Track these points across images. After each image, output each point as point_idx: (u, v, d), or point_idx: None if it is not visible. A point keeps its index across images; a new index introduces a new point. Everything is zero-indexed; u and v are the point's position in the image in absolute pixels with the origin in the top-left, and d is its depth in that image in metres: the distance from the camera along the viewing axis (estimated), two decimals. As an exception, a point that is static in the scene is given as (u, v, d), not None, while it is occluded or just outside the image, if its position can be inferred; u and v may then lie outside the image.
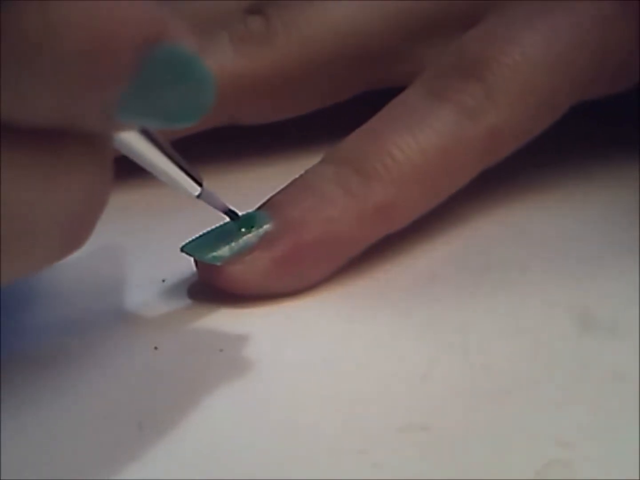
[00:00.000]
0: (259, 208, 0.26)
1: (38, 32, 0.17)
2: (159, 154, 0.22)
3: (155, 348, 0.24)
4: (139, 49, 0.18)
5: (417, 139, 0.26)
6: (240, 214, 0.26)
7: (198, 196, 0.24)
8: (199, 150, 0.30)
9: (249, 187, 0.29)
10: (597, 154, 0.31)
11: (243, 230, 0.25)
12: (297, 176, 0.27)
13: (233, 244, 0.25)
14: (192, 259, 0.26)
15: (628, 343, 0.23)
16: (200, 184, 0.23)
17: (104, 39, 0.17)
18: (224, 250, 0.25)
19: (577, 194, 0.29)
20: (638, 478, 0.20)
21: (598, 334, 0.24)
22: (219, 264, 0.25)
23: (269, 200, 0.27)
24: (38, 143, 0.18)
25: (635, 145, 0.31)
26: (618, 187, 0.29)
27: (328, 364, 0.24)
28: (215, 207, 0.25)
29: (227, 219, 0.26)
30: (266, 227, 0.25)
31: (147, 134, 0.21)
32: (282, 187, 0.27)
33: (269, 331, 0.25)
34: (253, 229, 0.25)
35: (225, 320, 0.25)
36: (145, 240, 0.28)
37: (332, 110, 0.32)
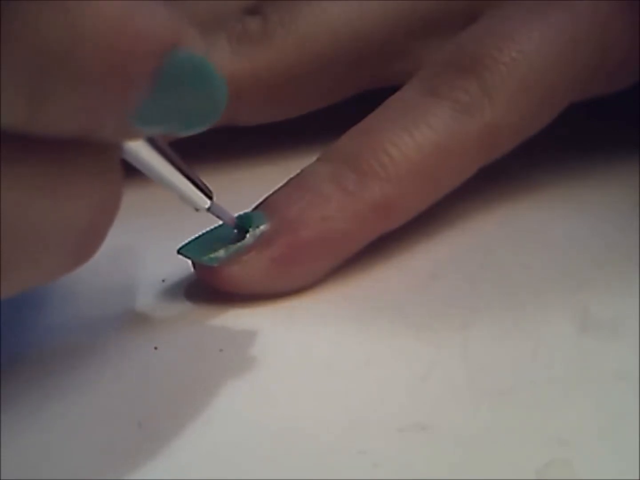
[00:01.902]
0: (255, 208, 0.26)
1: (63, 39, 0.17)
2: (168, 165, 0.22)
3: (155, 348, 0.24)
4: (159, 57, 0.18)
5: (413, 136, 0.26)
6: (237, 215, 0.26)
7: (208, 209, 0.24)
8: (196, 150, 0.30)
9: (246, 187, 0.29)
10: (598, 154, 0.31)
11: (239, 230, 0.25)
12: (293, 175, 0.27)
13: (230, 245, 0.25)
14: (190, 260, 0.26)
15: (628, 343, 0.23)
16: (210, 197, 0.23)
17: (127, 47, 0.17)
18: (221, 252, 0.25)
19: (577, 194, 0.29)
20: (638, 478, 0.20)
21: (598, 334, 0.24)
22: (216, 265, 0.25)
23: (265, 200, 0.27)
24: (52, 154, 0.18)
25: (635, 144, 0.31)
26: (618, 187, 0.29)
27: (328, 364, 0.24)
28: (224, 220, 0.25)
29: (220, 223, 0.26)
30: (262, 227, 0.25)
31: (155, 145, 0.21)
32: (278, 186, 0.27)
33: (269, 331, 0.25)
34: (250, 230, 0.25)
35: (225, 320, 0.25)
36: (145, 240, 0.28)
37: (329, 110, 0.32)
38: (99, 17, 0.17)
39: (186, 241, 0.26)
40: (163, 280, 0.27)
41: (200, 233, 0.26)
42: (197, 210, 0.24)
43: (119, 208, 0.20)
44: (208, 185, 0.24)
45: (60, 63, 0.17)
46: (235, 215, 0.26)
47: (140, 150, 0.21)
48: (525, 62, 0.27)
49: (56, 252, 0.19)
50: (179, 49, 0.18)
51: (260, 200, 0.27)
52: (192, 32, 0.18)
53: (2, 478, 0.21)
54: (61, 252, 0.19)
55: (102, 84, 0.17)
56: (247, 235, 0.25)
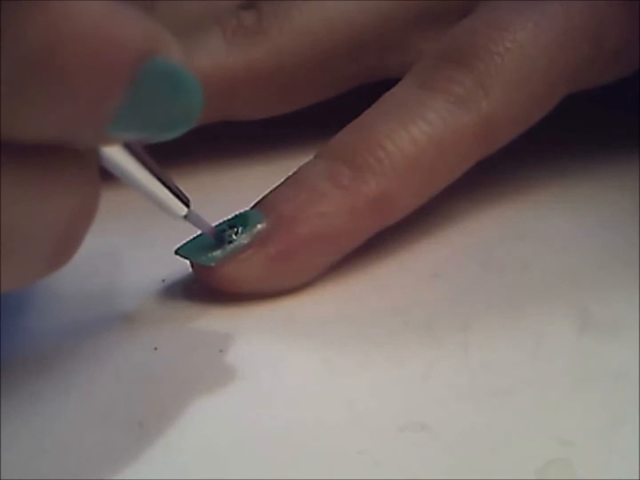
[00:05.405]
0: (252, 207, 0.26)
1: (41, 44, 0.17)
2: (145, 172, 0.21)
3: (155, 348, 0.24)
4: (135, 64, 0.18)
5: (408, 130, 0.26)
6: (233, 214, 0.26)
7: (184, 217, 0.23)
8: (193, 148, 0.30)
9: (244, 186, 0.29)
10: (598, 154, 0.31)
11: (236, 229, 0.25)
12: (291, 173, 0.27)
13: (227, 244, 0.25)
14: (188, 261, 0.26)
15: (628, 343, 0.23)
16: (187, 205, 0.23)
17: (104, 53, 0.17)
18: (218, 251, 0.25)
19: (578, 193, 0.29)
20: (638, 478, 0.20)
21: (598, 334, 0.24)
22: (213, 264, 0.25)
23: (262, 198, 0.26)
24: (30, 158, 0.18)
25: (635, 144, 0.31)
26: (618, 186, 0.29)
27: (328, 364, 0.24)
28: (201, 229, 0.25)
29: (218, 222, 0.25)
30: (259, 226, 0.25)
31: (132, 151, 0.21)
32: (276, 185, 0.27)
33: (269, 331, 0.25)
34: (247, 228, 0.25)
35: (225, 320, 0.25)
36: (145, 240, 0.28)
37: (327, 107, 0.32)
38: (78, 23, 0.17)
39: (184, 241, 0.26)
40: (163, 280, 0.27)
41: (198, 233, 0.26)
42: (175, 218, 0.23)
43: (96, 212, 0.20)
44: (186, 193, 0.23)
45: (38, 67, 0.17)
46: (233, 214, 0.26)
47: (116, 156, 0.21)
48: (519, 52, 0.27)
49: (33, 257, 0.19)
50: (156, 56, 0.18)
51: (258, 199, 0.27)
52: (169, 39, 0.18)
53: (2, 478, 0.21)
54: (38, 257, 0.19)
55: (79, 89, 0.17)
56: (245, 234, 0.25)
